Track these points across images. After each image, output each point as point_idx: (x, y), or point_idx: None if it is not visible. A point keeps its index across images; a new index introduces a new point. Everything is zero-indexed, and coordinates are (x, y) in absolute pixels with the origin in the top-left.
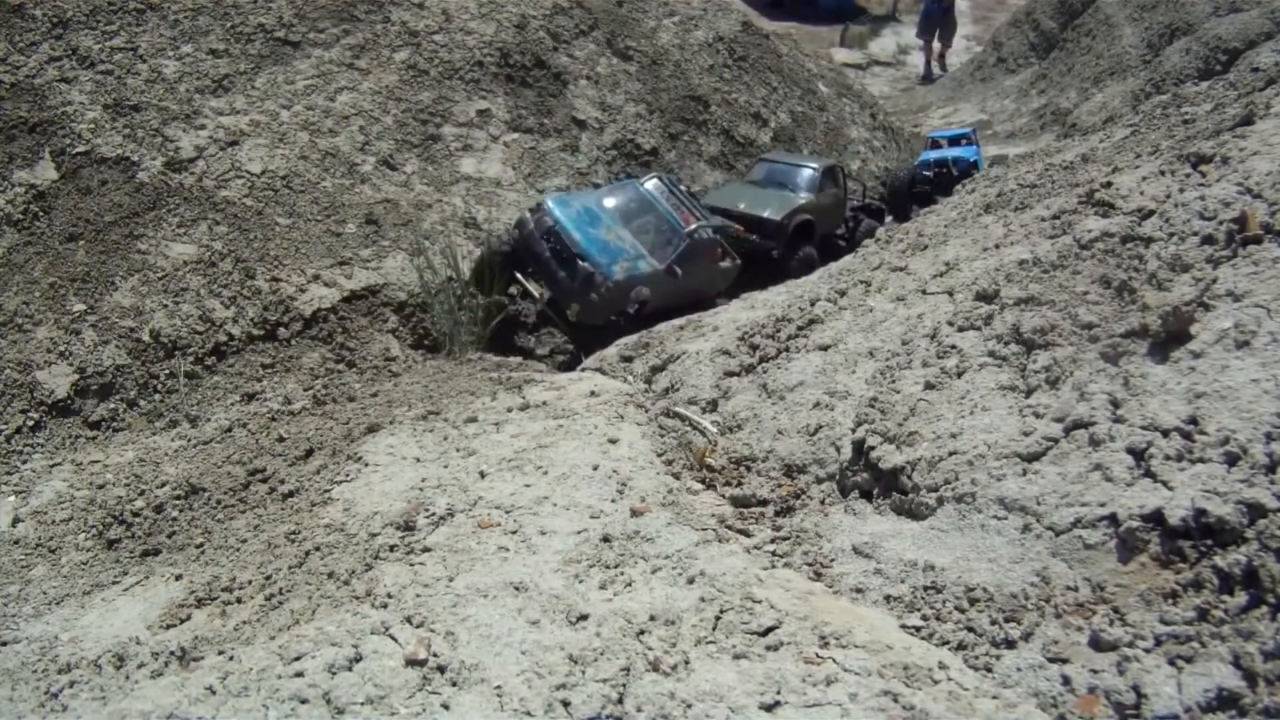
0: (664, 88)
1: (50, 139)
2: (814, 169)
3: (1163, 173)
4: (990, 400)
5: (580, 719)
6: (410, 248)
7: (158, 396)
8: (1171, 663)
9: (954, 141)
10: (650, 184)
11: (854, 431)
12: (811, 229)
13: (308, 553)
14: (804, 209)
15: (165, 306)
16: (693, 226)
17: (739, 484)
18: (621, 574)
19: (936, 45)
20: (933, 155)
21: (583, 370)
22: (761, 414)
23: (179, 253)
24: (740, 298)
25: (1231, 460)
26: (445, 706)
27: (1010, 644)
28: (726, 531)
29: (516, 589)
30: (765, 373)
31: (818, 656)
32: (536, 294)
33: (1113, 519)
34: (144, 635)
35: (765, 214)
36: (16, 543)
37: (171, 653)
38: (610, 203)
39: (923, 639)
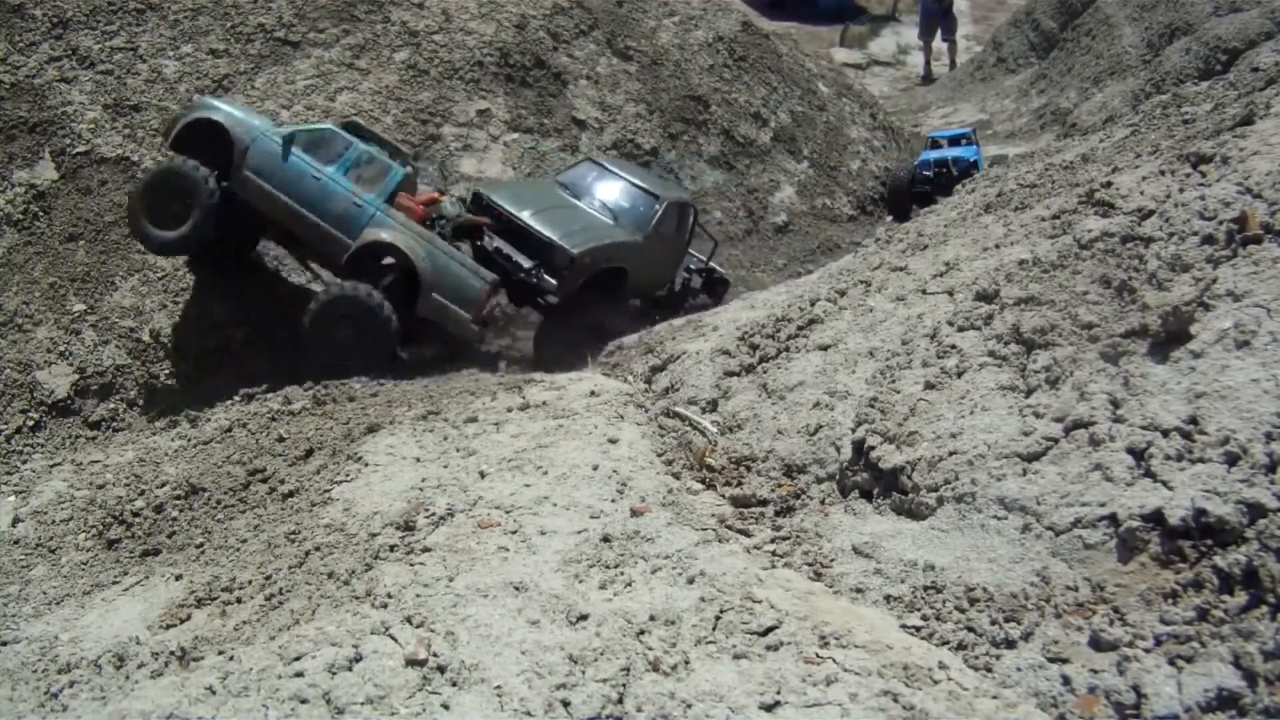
0: (664, 88)
1: (50, 139)
2: (657, 198)
3: (1163, 173)
4: (990, 400)
5: (580, 719)
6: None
7: (158, 396)
8: (1171, 663)
9: (954, 141)
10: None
11: (854, 431)
12: (621, 281)
13: (308, 553)
14: (618, 250)
15: (165, 306)
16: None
17: (739, 484)
18: (621, 574)
19: (939, 45)
20: (933, 155)
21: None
22: (761, 414)
23: None
24: (740, 297)
25: (1231, 460)
26: (445, 706)
27: (1010, 644)
28: (726, 531)
29: (516, 589)
30: (765, 373)
31: (818, 656)
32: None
33: (1113, 519)
34: (144, 635)
35: (556, 237)
36: (16, 543)
37: (171, 653)
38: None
39: (923, 639)
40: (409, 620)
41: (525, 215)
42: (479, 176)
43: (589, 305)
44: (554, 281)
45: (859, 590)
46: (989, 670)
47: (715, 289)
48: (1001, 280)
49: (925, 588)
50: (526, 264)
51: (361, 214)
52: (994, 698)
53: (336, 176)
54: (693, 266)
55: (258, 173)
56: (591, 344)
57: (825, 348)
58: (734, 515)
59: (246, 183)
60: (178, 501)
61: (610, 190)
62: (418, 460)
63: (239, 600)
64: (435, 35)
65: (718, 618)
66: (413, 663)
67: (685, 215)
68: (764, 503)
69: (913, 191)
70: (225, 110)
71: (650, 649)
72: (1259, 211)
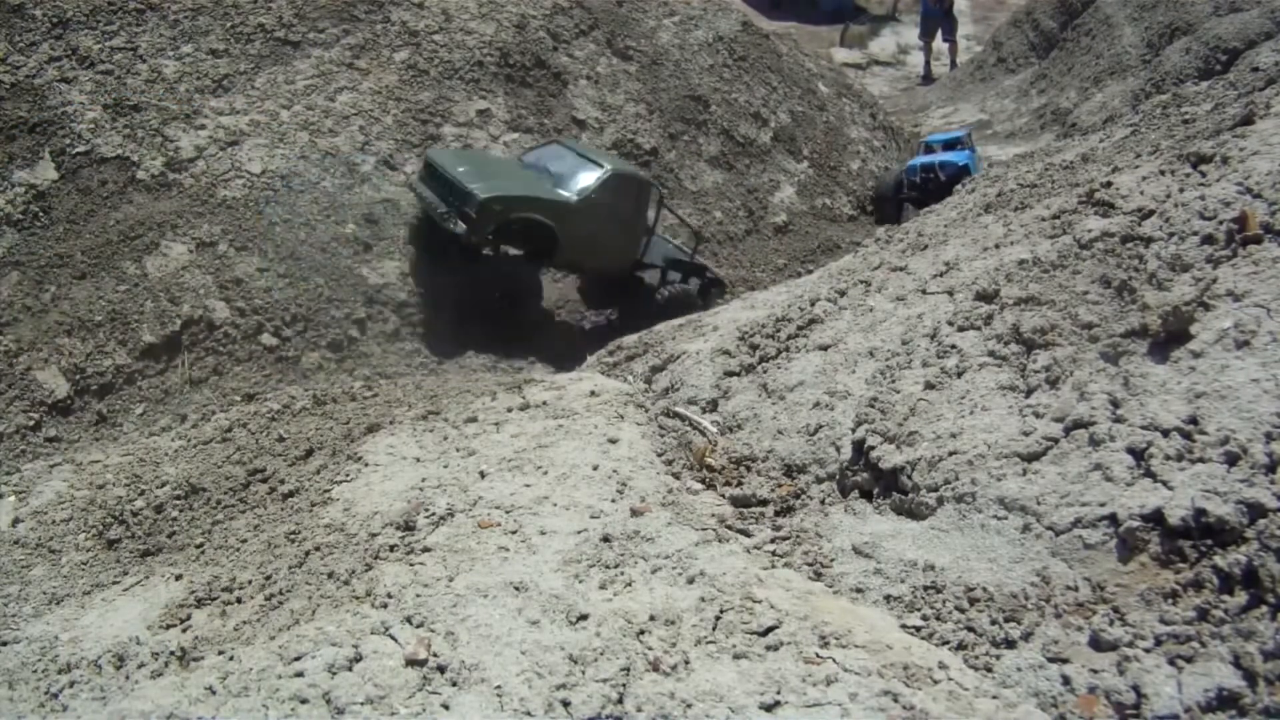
0: (664, 88)
1: (50, 139)
2: (600, 166)
3: (1163, 172)
4: (990, 400)
5: (580, 719)
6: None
7: (157, 396)
8: (1171, 663)
9: (949, 146)
10: None
11: (854, 431)
12: (549, 239)
13: (308, 553)
14: (536, 203)
15: (164, 307)
16: None
17: (739, 484)
18: (621, 574)
19: (939, 45)
20: (920, 160)
21: (582, 370)
22: (761, 414)
23: (178, 253)
24: (740, 297)
25: (1231, 460)
26: (445, 706)
27: (1010, 644)
28: (726, 531)
29: (516, 589)
30: (765, 372)
31: (818, 656)
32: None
33: (1113, 519)
34: (144, 635)
35: (469, 185)
36: (16, 543)
37: (171, 653)
38: None
39: (923, 639)
40: (409, 620)
41: (453, 170)
42: None
43: (505, 262)
44: (463, 225)
45: (859, 590)
46: (989, 670)
47: (709, 291)
48: (1001, 280)
49: (925, 588)
50: (441, 209)
51: None
52: (994, 698)
53: None
54: (670, 256)
55: None
56: (497, 305)
57: (825, 348)
58: (734, 515)
59: None
60: (178, 501)
61: (559, 161)
62: (418, 460)
63: (239, 600)
64: (435, 35)
65: (718, 618)
66: (413, 663)
67: (641, 192)
68: (764, 503)
69: (898, 198)
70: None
71: (650, 649)
72: (1259, 211)
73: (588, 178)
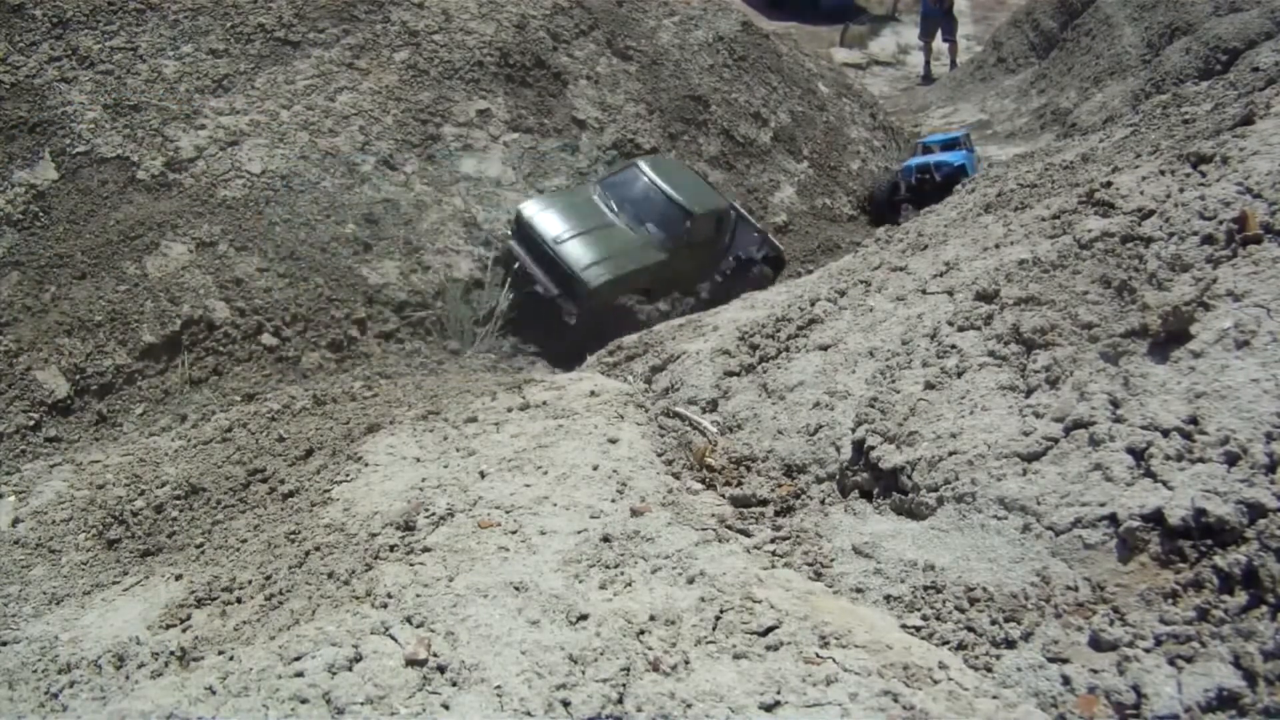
0: (664, 88)
1: (50, 139)
2: (681, 213)
3: (1163, 172)
4: (990, 400)
5: (580, 719)
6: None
7: (157, 396)
8: (1171, 663)
9: (947, 146)
10: None
11: (854, 431)
12: (645, 293)
13: (308, 553)
14: (640, 274)
15: (164, 307)
16: None
17: (739, 484)
18: (621, 574)
19: (939, 45)
20: (915, 161)
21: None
22: (761, 414)
23: (178, 253)
24: (740, 297)
25: (1231, 460)
26: (445, 706)
27: (1010, 644)
28: (726, 531)
29: (516, 589)
30: (765, 372)
31: (818, 656)
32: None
33: (1113, 519)
34: (144, 635)
35: (581, 273)
36: (16, 543)
37: (171, 653)
38: None
39: (923, 639)
40: (409, 620)
41: (555, 244)
42: (479, 176)
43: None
44: (574, 311)
45: (859, 590)
46: (989, 670)
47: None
48: (1001, 280)
49: (925, 588)
50: (553, 291)
51: None
52: (994, 698)
53: None
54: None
55: None
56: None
57: (825, 348)
58: (734, 515)
59: None
60: (178, 501)
61: (645, 202)
62: (418, 460)
63: (239, 600)
64: (435, 35)
65: (718, 618)
66: (413, 663)
67: (721, 221)
68: (764, 503)
69: (893, 201)
70: None
71: (650, 649)
72: (1259, 211)
73: (675, 224)
